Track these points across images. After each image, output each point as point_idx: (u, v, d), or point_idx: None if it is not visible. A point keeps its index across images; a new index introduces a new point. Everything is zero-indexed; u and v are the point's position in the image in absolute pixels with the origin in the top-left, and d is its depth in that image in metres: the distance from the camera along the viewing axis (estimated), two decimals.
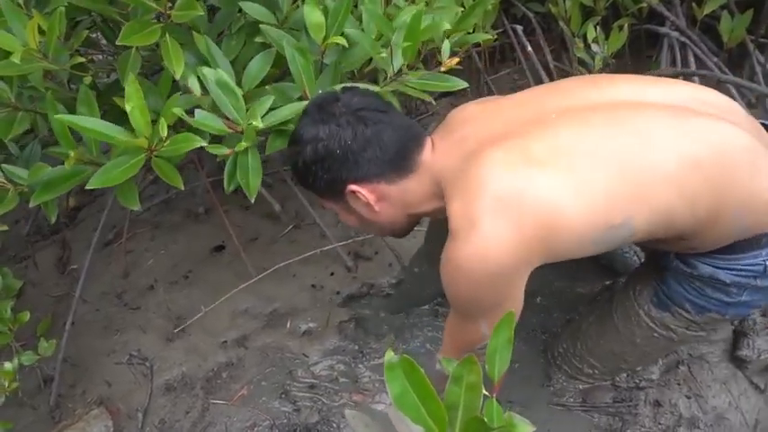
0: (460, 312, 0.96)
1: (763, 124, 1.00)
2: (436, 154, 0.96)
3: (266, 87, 1.11)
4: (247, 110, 1.02)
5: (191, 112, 1.01)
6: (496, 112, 0.98)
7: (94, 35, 1.33)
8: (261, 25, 1.10)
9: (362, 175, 0.92)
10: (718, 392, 1.27)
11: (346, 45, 1.08)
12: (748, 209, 0.90)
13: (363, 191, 0.94)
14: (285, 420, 1.30)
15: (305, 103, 1.01)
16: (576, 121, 0.89)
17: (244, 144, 1.01)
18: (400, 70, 1.08)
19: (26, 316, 1.31)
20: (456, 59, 1.12)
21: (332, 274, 1.61)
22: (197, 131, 0.99)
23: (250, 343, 1.48)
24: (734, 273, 0.96)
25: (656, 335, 1.11)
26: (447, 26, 1.11)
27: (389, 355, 0.55)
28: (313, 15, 1.06)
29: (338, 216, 1.06)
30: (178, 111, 0.98)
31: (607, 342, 1.19)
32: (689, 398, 1.26)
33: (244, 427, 1.31)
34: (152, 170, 2.04)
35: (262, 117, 1.00)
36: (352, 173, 0.92)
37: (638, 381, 1.27)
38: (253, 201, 1.05)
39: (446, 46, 1.12)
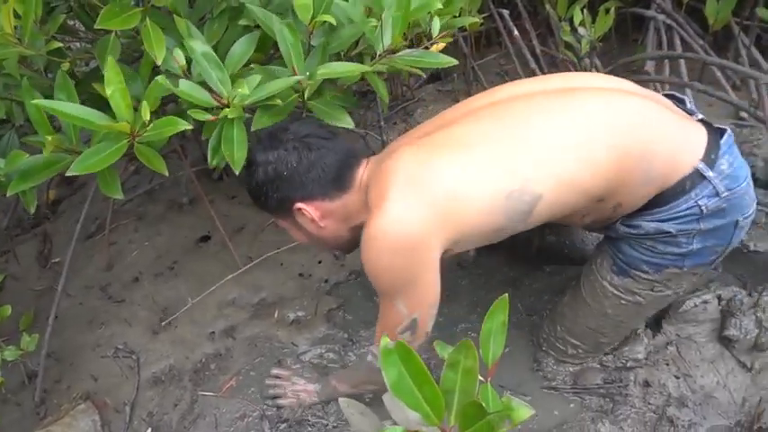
0: (381, 293, 1.04)
1: (668, 95, 1.12)
2: (368, 167, 1.08)
3: (252, 67, 1.09)
4: (233, 86, 1.02)
5: (173, 97, 0.99)
6: (422, 126, 1.12)
7: (72, 22, 1.29)
8: (246, 4, 1.08)
9: (308, 194, 1.04)
10: (706, 372, 1.28)
11: (334, 22, 1.07)
12: (654, 158, 0.99)
13: (309, 208, 1.06)
14: (275, 410, 1.29)
15: (295, 78, 1.05)
16: (475, 116, 1.05)
17: (228, 112, 1.01)
18: (390, 49, 1.07)
19: (8, 310, 1.29)
20: (446, 37, 1.12)
21: (320, 262, 1.60)
22: (181, 116, 0.97)
23: (238, 333, 1.46)
24: (677, 222, 1.03)
25: (623, 302, 1.16)
26: (438, 5, 1.10)
27: (385, 341, 0.54)
28: None
29: (290, 234, 1.17)
30: (162, 79, 0.97)
31: (581, 318, 1.23)
32: (677, 378, 1.27)
33: (233, 418, 1.29)
34: (134, 161, 2.00)
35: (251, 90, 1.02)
36: (299, 192, 1.04)
37: (624, 361, 1.29)
38: (237, 173, 1.06)
39: (436, 23, 1.12)
